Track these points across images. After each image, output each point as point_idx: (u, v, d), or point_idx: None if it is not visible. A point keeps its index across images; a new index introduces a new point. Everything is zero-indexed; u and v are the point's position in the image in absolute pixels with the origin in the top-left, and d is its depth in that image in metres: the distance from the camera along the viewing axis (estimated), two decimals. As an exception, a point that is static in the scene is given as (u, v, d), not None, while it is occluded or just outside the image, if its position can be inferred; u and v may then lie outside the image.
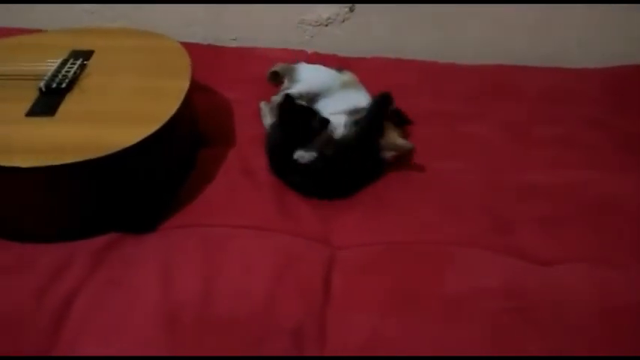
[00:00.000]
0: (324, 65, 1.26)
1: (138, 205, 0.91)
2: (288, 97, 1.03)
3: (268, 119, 1.11)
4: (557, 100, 1.28)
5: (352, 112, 1.08)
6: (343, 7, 1.49)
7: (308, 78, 1.18)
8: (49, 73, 0.97)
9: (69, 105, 0.92)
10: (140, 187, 0.90)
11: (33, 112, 0.90)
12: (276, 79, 1.24)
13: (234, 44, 1.51)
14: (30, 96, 0.93)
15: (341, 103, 1.11)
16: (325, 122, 0.99)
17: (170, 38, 1.13)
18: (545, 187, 1.02)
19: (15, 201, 0.84)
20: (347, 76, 1.21)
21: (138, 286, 0.77)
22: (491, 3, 1.42)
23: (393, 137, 1.04)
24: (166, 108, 0.92)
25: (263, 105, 1.14)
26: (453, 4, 1.43)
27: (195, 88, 1.19)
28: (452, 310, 0.76)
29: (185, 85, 0.98)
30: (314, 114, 1.01)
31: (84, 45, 1.08)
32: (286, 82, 1.20)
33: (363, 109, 1.07)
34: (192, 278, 0.78)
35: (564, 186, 1.02)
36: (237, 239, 0.87)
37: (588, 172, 1.06)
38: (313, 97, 1.13)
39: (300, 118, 1.00)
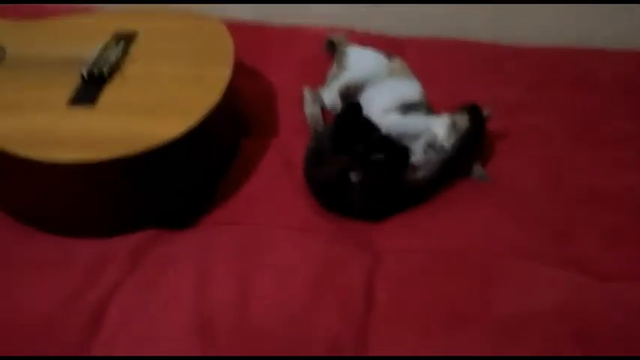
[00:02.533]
0: (375, 47, 1.19)
1: (177, 201, 0.89)
2: (353, 107, 0.94)
3: (309, 108, 1.06)
4: (634, 90, 1.16)
5: (404, 108, 1.02)
6: (398, -19, 1.39)
7: (355, 66, 1.12)
8: (92, 59, 0.95)
9: (110, 94, 0.90)
10: (180, 182, 0.88)
11: (75, 101, 0.88)
12: (333, 49, 1.19)
13: (281, 19, 1.44)
14: (71, 83, 0.91)
15: (388, 94, 1.05)
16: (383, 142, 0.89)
17: (214, 20, 1.08)
18: (611, 192, 0.93)
19: (54, 194, 0.84)
20: (396, 63, 1.13)
21: (173, 291, 0.75)
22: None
23: (477, 164, 0.95)
24: (207, 98, 0.88)
25: (306, 92, 1.09)
26: None
27: (240, 72, 1.14)
28: (502, 333, 0.71)
29: (227, 73, 0.94)
30: (374, 129, 0.92)
31: (127, 27, 1.05)
32: (335, 67, 1.15)
33: (413, 103, 1.02)
34: (227, 285, 0.76)
35: (633, 192, 0.93)
36: (276, 241, 0.84)
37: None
38: (360, 86, 1.07)
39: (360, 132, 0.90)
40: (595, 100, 1.13)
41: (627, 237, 0.86)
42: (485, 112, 0.96)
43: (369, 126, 0.92)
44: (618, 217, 0.89)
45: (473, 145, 0.95)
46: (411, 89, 1.08)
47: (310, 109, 1.06)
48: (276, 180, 0.95)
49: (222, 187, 0.94)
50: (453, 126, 0.94)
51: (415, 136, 0.96)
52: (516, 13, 1.36)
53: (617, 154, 1.01)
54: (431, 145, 0.93)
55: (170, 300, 0.74)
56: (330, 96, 1.05)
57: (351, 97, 1.08)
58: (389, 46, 1.27)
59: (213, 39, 1.03)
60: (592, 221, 0.89)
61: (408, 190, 0.90)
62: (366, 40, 1.30)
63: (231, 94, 0.97)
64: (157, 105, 0.88)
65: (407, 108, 1.02)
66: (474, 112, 0.95)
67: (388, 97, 1.05)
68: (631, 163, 0.99)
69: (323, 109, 1.08)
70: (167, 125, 0.83)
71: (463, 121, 0.95)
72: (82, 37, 1.01)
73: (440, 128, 0.95)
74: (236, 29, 1.11)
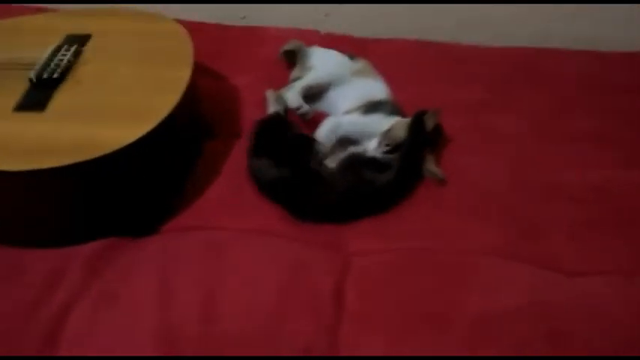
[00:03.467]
0: (338, 49, 1.18)
1: (136, 208, 0.85)
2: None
3: (272, 109, 1.04)
4: (594, 89, 1.17)
5: (367, 107, 1.01)
6: (360, -17, 1.39)
7: (318, 66, 1.11)
8: (41, 62, 0.90)
9: (61, 98, 0.85)
10: (138, 189, 0.84)
11: (21, 107, 0.83)
12: (291, 57, 1.17)
13: (242, 22, 1.42)
14: (19, 87, 0.86)
15: (353, 94, 1.05)
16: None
17: (171, 20, 1.05)
18: (576, 188, 0.94)
19: (4, 204, 0.78)
20: (360, 63, 1.13)
21: (135, 302, 0.72)
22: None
23: (429, 163, 0.95)
24: (166, 101, 0.85)
25: (269, 94, 1.06)
26: None
27: (201, 73, 1.11)
28: (475, 333, 0.70)
29: (186, 74, 0.91)
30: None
31: (80, 29, 1.01)
32: (297, 69, 1.13)
33: (378, 102, 1.01)
34: (192, 292, 0.73)
35: (597, 188, 0.94)
36: (242, 246, 0.81)
37: (624, 173, 0.98)
38: (323, 87, 1.07)
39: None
40: (556, 99, 1.15)
41: (591, 232, 0.87)
42: (432, 118, 0.96)
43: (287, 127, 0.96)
44: (582, 213, 0.90)
45: (414, 151, 0.94)
46: (375, 89, 1.08)
47: (271, 110, 1.04)
48: (240, 182, 0.92)
49: (185, 191, 0.90)
50: (386, 135, 0.94)
51: (372, 134, 0.96)
52: (477, 14, 1.38)
53: (579, 150, 1.02)
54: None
55: (132, 313, 0.70)
56: (293, 96, 1.03)
57: (314, 97, 1.07)
58: (353, 46, 1.27)
59: (170, 39, 1.00)
60: (556, 218, 0.89)
61: (373, 191, 0.89)
62: (330, 40, 1.29)
63: (192, 95, 0.94)
64: (112, 109, 0.84)
65: (370, 107, 1.01)
66: (415, 121, 0.95)
67: (353, 97, 1.05)
68: (593, 160, 1.00)
69: (288, 109, 1.06)
70: (123, 131, 0.79)
71: (400, 130, 0.95)
72: (33, 40, 0.97)
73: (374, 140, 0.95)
74: (197, 30, 1.08)
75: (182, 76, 0.90)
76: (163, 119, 0.81)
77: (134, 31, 1.02)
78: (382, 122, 0.98)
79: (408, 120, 0.97)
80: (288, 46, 1.18)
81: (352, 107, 1.02)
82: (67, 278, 0.74)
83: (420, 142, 0.94)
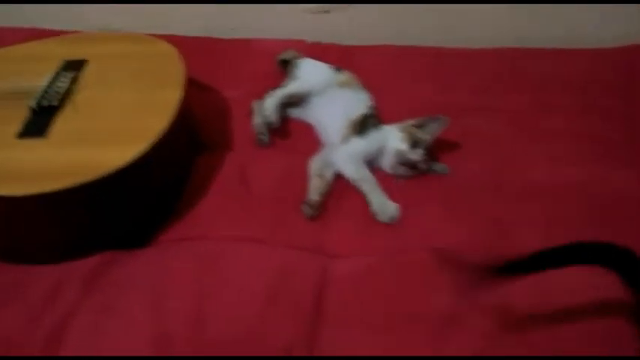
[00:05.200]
0: (325, 56, 1.24)
1: (133, 223, 0.92)
2: None
3: (255, 119, 1.10)
4: (570, 88, 1.22)
5: (358, 127, 1.06)
6: (345, -6, 1.44)
7: (303, 77, 1.17)
8: (40, 90, 0.97)
9: (60, 124, 0.92)
10: (134, 205, 0.91)
11: (24, 134, 0.90)
12: (287, 66, 1.23)
13: (232, 34, 1.47)
14: (21, 115, 0.93)
15: (336, 104, 1.11)
16: None
17: (162, 42, 1.11)
18: (549, 186, 0.99)
19: (7, 226, 0.85)
20: (345, 75, 1.19)
21: (131, 312, 0.78)
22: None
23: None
24: (158, 122, 0.91)
25: (255, 104, 1.13)
26: None
27: (193, 87, 1.18)
28: (446, 328, 0.76)
29: (178, 96, 0.97)
30: None
31: (76, 54, 1.07)
32: (287, 79, 1.19)
33: (362, 118, 1.07)
34: (184, 302, 0.79)
35: (568, 184, 0.99)
36: (231, 253, 0.88)
37: (595, 168, 1.02)
38: (305, 95, 1.13)
39: None
40: (534, 98, 1.19)
41: (565, 229, 0.91)
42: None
43: None
44: (557, 210, 0.95)
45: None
46: (358, 100, 1.13)
47: (255, 120, 1.10)
48: (230, 194, 0.99)
49: (179, 205, 0.96)
50: (412, 138, 1.00)
51: (379, 151, 1.02)
52: (458, 18, 1.42)
53: (555, 149, 1.07)
54: (402, 163, 0.99)
55: (127, 322, 0.77)
56: (270, 104, 1.10)
57: (295, 105, 1.14)
58: (339, 54, 1.32)
59: (163, 62, 1.06)
60: (531, 214, 0.94)
61: None
62: (317, 49, 1.35)
63: (184, 115, 1.00)
64: (108, 133, 0.90)
65: (361, 126, 1.06)
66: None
67: (337, 108, 1.10)
68: (568, 158, 1.05)
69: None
70: (118, 152, 0.85)
71: (423, 133, 1.02)
72: (30, 67, 1.03)
73: (401, 143, 1.00)
74: (187, 44, 1.15)
75: (174, 97, 0.96)
76: (157, 139, 0.88)
77: (128, 55, 1.08)
78: (382, 135, 1.04)
79: (408, 124, 1.03)
80: (283, 55, 1.25)
81: (341, 126, 1.07)
82: (66, 292, 0.81)
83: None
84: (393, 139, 1.01)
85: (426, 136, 1.01)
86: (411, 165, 0.99)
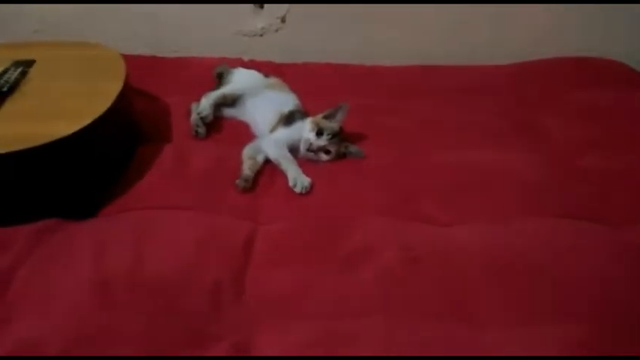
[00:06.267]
0: (259, 70, 1.40)
1: (76, 194, 0.99)
2: None
3: (194, 115, 1.24)
4: (466, 94, 1.43)
5: (285, 120, 1.21)
6: (276, 19, 1.62)
7: (236, 80, 1.33)
8: (-8, 80, 1.06)
9: (9, 106, 1.01)
10: (77, 176, 0.99)
11: (-25, 114, 0.98)
12: (222, 78, 1.38)
13: (174, 55, 1.62)
14: (-27, 101, 1.01)
15: (266, 103, 1.26)
16: None
17: (107, 47, 1.23)
18: (447, 164, 1.16)
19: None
20: (273, 79, 1.36)
21: (74, 260, 0.85)
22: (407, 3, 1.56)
23: (350, 145, 1.18)
24: (102, 105, 1.01)
25: (192, 105, 1.26)
26: (374, 3, 1.56)
27: (137, 95, 1.30)
28: (353, 262, 0.88)
29: (118, 86, 1.08)
30: None
31: (25, 56, 1.17)
32: (222, 85, 1.33)
33: (290, 112, 1.22)
34: (123, 249, 0.87)
35: (464, 163, 1.16)
36: (167, 217, 0.97)
37: (486, 152, 1.20)
38: (237, 97, 1.28)
39: None
40: (435, 103, 1.39)
41: (459, 196, 1.08)
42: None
43: None
44: (452, 182, 1.11)
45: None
46: (285, 99, 1.28)
47: (193, 117, 1.23)
48: (168, 174, 1.08)
49: (121, 184, 1.05)
50: (318, 127, 1.15)
51: (301, 137, 1.16)
52: (375, 39, 1.63)
53: (452, 140, 1.25)
54: (309, 149, 1.14)
55: (71, 267, 0.84)
56: (204, 102, 1.24)
57: (229, 105, 1.28)
58: (272, 69, 1.48)
59: (107, 61, 1.18)
60: (432, 186, 1.10)
61: None
62: (253, 65, 1.51)
63: (125, 104, 1.11)
64: (55, 111, 1.00)
65: (288, 119, 1.22)
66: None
67: (267, 106, 1.25)
68: (468, 144, 1.23)
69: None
70: (62, 126, 0.95)
71: (330, 122, 1.17)
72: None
73: (309, 132, 1.15)
74: (135, 60, 1.27)
75: (115, 87, 1.07)
76: (99, 116, 0.98)
77: (74, 56, 1.20)
78: (304, 126, 1.18)
79: (320, 117, 1.18)
80: (219, 69, 1.41)
81: (272, 121, 1.22)
82: (13, 247, 0.87)
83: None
84: (304, 130, 1.16)
85: (333, 124, 1.16)
86: (317, 150, 1.13)
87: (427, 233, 0.97)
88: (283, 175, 1.11)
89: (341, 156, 1.17)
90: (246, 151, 1.15)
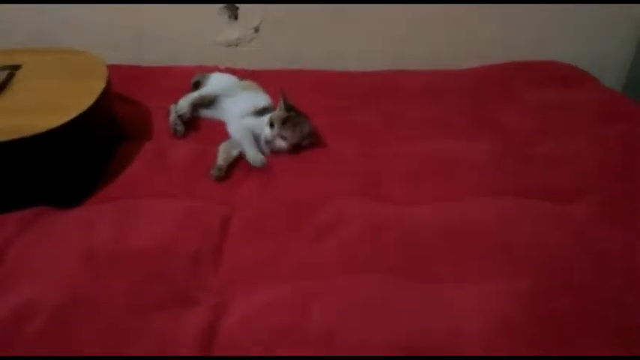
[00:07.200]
0: (235, 75, 1.50)
1: (62, 184, 1.06)
2: None
3: (172, 115, 1.32)
4: (430, 95, 1.54)
5: (257, 112, 1.31)
6: (249, 30, 1.72)
7: (212, 83, 1.42)
8: (-20, 82, 1.13)
9: (-1, 103, 1.08)
10: (63, 167, 1.06)
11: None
12: (198, 87, 1.46)
13: (154, 64, 1.70)
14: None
15: (242, 103, 1.35)
16: None
17: (90, 53, 1.32)
18: (410, 154, 1.25)
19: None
20: (247, 81, 1.45)
21: (62, 237, 0.92)
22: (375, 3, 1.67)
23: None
24: (85, 101, 1.09)
25: (171, 107, 1.34)
26: (346, 3, 1.67)
27: (119, 99, 1.38)
28: (321, 234, 0.96)
29: (102, 84, 1.16)
30: None
31: (11, 61, 1.25)
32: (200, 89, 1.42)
33: (263, 108, 1.31)
34: (108, 229, 0.94)
35: (426, 152, 1.26)
36: (148, 203, 1.04)
37: (447, 142, 1.30)
38: (215, 98, 1.37)
39: None
40: (401, 103, 1.49)
41: (420, 180, 1.17)
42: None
43: None
44: (414, 169, 1.20)
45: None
46: (259, 99, 1.38)
47: (171, 116, 1.31)
48: (149, 167, 1.16)
49: (104, 177, 1.12)
50: (270, 120, 1.23)
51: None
52: (344, 47, 1.74)
53: (419, 132, 1.35)
54: (267, 142, 1.23)
55: (58, 243, 0.90)
56: (182, 102, 1.33)
57: (206, 106, 1.37)
58: (247, 76, 1.57)
59: (90, 65, 1.26)
60: (396, 172, 1.19)
61: None
62: (229, 72, 1.59)
63: (108, 102, 1.19)
64: (41, 107, 1.07)
65: (259, 112, 1.31)
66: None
67: (242, 105, 1.34)
68: (430, 137, 1.33)
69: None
70: (49, 120, 1.02)
71: (277, 112, 1.26)
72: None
73: (265, 127, 1.24)
74: (115, 70, 1.35)
75: (98, 86, 1.16)
76: (82, 112, 1.06)
77: (59, 60, 1.28)
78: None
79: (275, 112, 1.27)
80: (197, 78, 1.49)
81: (244, 113, 1.31)
82: (4, 230, 0.94)
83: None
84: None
85: (280, 112, 1.25)
86: (273, 139, 1.21)
87: (390, 210, 1.05)
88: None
89: (304, 139, 1.24)
90: (222, 147, 1.23)
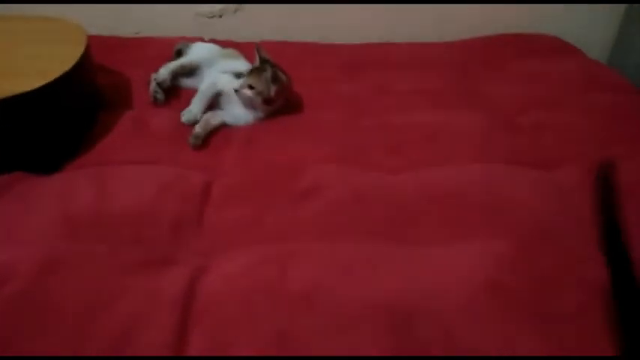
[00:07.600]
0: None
1: (40, 149, 1.04)
2: None
3: (152, 83, 1.30)
4: (417, 67, 1.52)
5: (236, 75, 1.28)
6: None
7: (194, 52, 1.39)
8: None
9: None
10: (40, 132, 1.04)
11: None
12: (180, 55, 1.43)
13: (136, 33, 1.67)
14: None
15: (222, 69, 1.32)
16: None
17: (71, 21, 1.28)
18: (397, 124, 1.24)
19: None
20: (229, 50, 1.42)
21: (40, 201, 0.90)
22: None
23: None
24: (63, 65, 1.07)
25: (152, 75, 1.31)
26: None
27: (99, 69, 1.35)
28: (303, 198, 0.95)
29: (80, 49, 1.13)
30: None
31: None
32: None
33: (241, 72, 1.28)
34: (89, 192, 0.93)
35: (412, 122, 1.25)
36: (129, 169, 1.03)
37: (433, 112, 1.29)
38: (196, 67, 1.35)
39: None
40: (387, 75, 1.48)
41: (406, 148, 1.16)
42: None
43: None
44: (400, 138, 1.19)
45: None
46: (239, 65, 1.35)
47: (152, 85, 1.29)
48: (129, 134, 1.14)
49: (84, 144, 1.10)
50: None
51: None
52: (330, 20, 1.72)
53: (401, 104, 1.34)
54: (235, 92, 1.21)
55: (37, 206, 0.89)
56: (163, 70, 1.30)
57: (188, 75, 1.34)
58: (231, 46, 1.55)
59: (68, 31, 1.23)
60: (380, 141, 1.18)
61: None
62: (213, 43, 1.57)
63: (87, 68, 1.16)
64: (18, 71, 1.05)
65: (238, 75, 1.28)
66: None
67: (223, 68, 1.32)
68: (416, 106, 1.31)
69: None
70: (26, 83, 1.00)
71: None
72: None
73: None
74: (95, 40, 1.31)
75: (77, 50, 1.13)
76: (60, 76, 1.03)
77: (36, 27, 1.24)
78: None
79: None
80: (179, 46, 1.46)
81: (224, 71, 1.29)
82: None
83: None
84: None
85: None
86: (241, 89, 1.19)
87: (372, 176, 1.04)
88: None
89: (271, 87, 1.20)
90: (205, 115, 1.21)
